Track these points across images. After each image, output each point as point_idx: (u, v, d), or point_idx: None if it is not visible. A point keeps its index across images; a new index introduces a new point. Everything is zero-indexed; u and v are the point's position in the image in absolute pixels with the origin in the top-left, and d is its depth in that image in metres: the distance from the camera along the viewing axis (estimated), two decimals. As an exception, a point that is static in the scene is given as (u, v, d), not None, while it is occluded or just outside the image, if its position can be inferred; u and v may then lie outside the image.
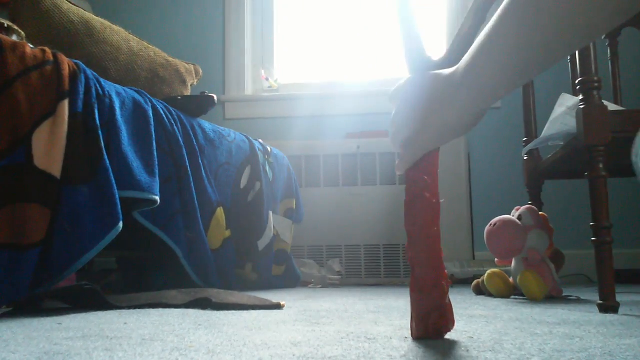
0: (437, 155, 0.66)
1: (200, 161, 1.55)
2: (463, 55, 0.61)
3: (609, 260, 1.03)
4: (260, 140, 1.98)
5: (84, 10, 1.62)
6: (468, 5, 2.50)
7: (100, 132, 1.15)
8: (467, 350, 0.58)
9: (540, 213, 1.38)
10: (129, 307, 1.04)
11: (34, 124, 1.02)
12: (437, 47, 2.55)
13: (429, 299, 0.64)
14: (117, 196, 1.14)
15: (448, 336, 0.68)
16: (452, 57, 0.66)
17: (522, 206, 1.40)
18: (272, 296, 1.37)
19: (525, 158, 1.67)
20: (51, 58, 1.10)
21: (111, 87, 1.26)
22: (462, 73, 0.56)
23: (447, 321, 0.66)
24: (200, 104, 1.68)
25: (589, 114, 1.07)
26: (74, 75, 1.13)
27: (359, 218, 2.21)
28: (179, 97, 1.66)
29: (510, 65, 0.52)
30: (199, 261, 1.50)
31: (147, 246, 1.56)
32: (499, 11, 0.52)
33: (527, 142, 1.67)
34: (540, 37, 0.48)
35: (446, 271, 0.66)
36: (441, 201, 0.66)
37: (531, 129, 1.68)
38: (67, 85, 1.10)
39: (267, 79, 2.67)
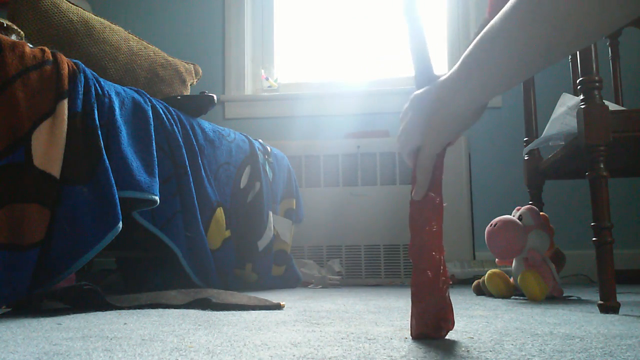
0: (442, 159, 0.68)
1: (199, 161, 1.55)
2: None
3: (609, 260, 1.03)
4: (260, 140, 1.98)
5: (84, 9, 1.61)
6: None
7: (99, 132, 1.15)
8: (468, 351, 0.58)
9: (540, 213, 1.38)
10: (129, 308, 1.04)
11: (33, 123, 1.02)
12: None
13: (430, 293, 0.65)
14: (117, 196, 1.14)
15: (448, 336, 0.68)
16: None
17: (522, 206, 1.40)
18: (272, 296, 1.37)
19: (526, 158, 1.67)
20: (50, 58, 1.09)
21: (110, 87, 1.26)
22: (466, 68, 0.60)
23: (447, 318, 0.66)
24: (199, 104, 1.68)
25: (590, 114, 1.07)
26: (73, 75, 1.13)
27: (359, 218, 2.21)
28: (179, 97, 1.66)
29: (511, 63, 0.55)
30: (198, 261, 1.50)
31: (147, 246, 1.56)
32: (501, 12, 0.54)
33: (527, 142, 1.67)
34: (540, 39, 0.51)
35: (447, 270, 0.67)
36: (444, 204, 0.68)
37: (532, 128, 1.68)
38: (67, 85, 1.10)
39: (267, 79, 2.67)
